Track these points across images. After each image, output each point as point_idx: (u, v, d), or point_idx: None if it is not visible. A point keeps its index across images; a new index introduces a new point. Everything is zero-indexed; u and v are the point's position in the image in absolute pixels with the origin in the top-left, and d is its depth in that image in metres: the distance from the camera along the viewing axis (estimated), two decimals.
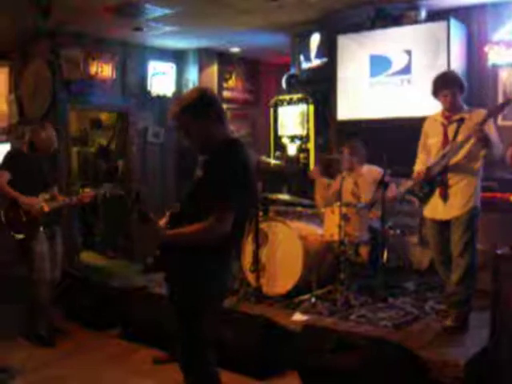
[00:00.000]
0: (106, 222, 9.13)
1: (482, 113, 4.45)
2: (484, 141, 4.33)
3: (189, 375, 3.17)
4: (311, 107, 7.67)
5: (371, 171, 6.08)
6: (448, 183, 4.53)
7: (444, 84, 4.58)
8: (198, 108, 3.09)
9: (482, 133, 4.28)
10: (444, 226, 4.60)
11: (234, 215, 2.93)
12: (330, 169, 6.79)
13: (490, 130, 4.42)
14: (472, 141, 4.38)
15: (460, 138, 4.45)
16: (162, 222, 3.19)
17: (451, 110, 4.59)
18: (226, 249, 3.11)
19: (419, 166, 4.79)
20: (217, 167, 2.98)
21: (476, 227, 4.56)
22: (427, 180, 4.63)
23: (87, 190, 5.65)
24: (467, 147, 4.44)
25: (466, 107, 4.62)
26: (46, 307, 5.40)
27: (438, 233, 4.68)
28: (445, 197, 4.55)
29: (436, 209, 4.62)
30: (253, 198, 3.08)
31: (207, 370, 3.16)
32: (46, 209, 5.28)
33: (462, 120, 4.49)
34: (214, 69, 9.31)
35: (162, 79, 8.83)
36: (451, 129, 4.54)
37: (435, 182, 4.59)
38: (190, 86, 8.94)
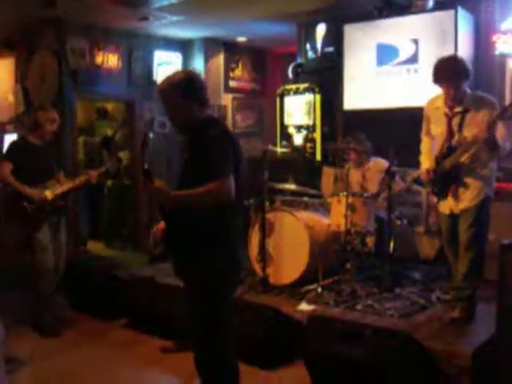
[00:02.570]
0: (112, 211, 9.15)
1: (488, 109, 4.36)
2: (492, 145, 4.27)
3: (204, 370, 3.17)
4: (318, 97, 7.65)
5: (378, 164, 6.07)
6: (462, 182, 4.47)
7: (445, 77, 4.39)
8: (186, 88, 3.15)
9: (489, 140, 4.21)
10: (456, 218, 4.57)
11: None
12: (336, 158, 6.77)
13: (498, 127, 4.34)
14: (478, 128, 4.32)
15: (466, 131, 4.37)
16: None
17: (454, 101, 4.48)
18: (228, 220, 3.13)
19: (425, 154, 4.74)
20: (204, 143, 3.02)
21: (486, 220, 4.52)
22: (437, 175, 4.57)
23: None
24: (477, 145, 4.37)
25: (469, 92, 4.50)
26: (49, 297, 5.42)
27: (450, 225, 4.64)
28: (456, 195, 4.50)
29: (448, 201, 4.58)
30: (241, 172, 3.12)
31: (223, 362, 3.15)
32: (50, 196, 5.29)
33: (466, 111, 4.41)
34: (220, 58, 9.29)
35: (167, 69, 8.80)
36: (455, 120, 4.46)
37: (448, 178, 4.53)
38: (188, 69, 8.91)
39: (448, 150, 4.48)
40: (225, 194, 2.95)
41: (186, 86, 3.15)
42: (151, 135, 3.30)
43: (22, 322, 5.50)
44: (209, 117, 3.24)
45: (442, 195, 4.60)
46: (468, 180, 4.44)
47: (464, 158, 4.41)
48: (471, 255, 4.45)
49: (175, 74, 3.26)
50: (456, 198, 4.50)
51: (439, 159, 4.54)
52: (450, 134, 4.49)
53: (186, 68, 8.91)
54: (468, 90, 4.48)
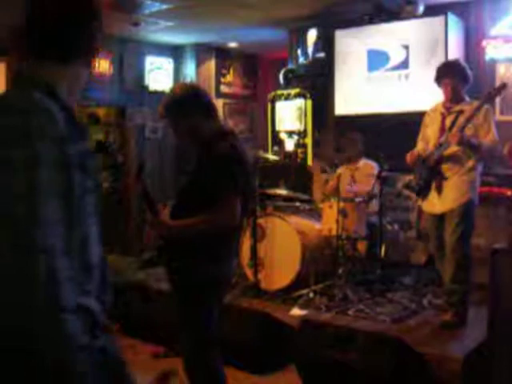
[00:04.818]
0: (104, 214, 9.11)
1: (481, 111, 4.42)
2: (465, 145, 4.34)
3: (192, 373, 3.17)
4: (309, 102, 7.67)
5: (367, 165, 6.09)
6: (444, 175, 4.51)
7: (447, 72, 4.54)
8: (185, 104, 3.11)
9: (460, 138, 4.27)
10: (441, 219, 4.59)
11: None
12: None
13: (490, 129, 4.39)
14: (469, 133, 4.36)
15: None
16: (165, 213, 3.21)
17: (452, 100, 4.55)
18: (231, 235, 3.13)
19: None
20: (213, 159, 3.00)
21: (471, 222, 4.55)
22: (422, 171, 4.61)
23: None
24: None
25: (467, 99, 4.58)
26: None
27: (436, 227, 4.66)
28: (439, 189, 4.53)
29: (433, 202, 4.61)
30: (250, 188, 3.12)
31: (211, 367, 3.16)
32: None
33: (461, 112, 4.47)
34: (212, 64, 9.30)
35: (159, 74, 8.82)
36: (449, 119, 4.52)
37: (431, 174, 4.57)
38: (188, 81, 8.92)
39: (437, 147, 4.53)
40: (228, 221, 2.94)
41: (182, 103, 3.10)
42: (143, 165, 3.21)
43: None
44: (218, 129, 3.17)
45: (425, 191, 4.63)
46: (451, 175, 4.47)
47: (448, 152, 4.46)
48: (458, 256, 4.47)
49: (170, 95, 3.22)
50: (440, 192, 4.52)
51: (428, 155, 4.58)
52: (442, 131, 4.53)
53: (178, 78, 8.94)
54: (467, 98, 4.57)
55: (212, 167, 2.98)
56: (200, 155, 3.11)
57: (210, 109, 3.20)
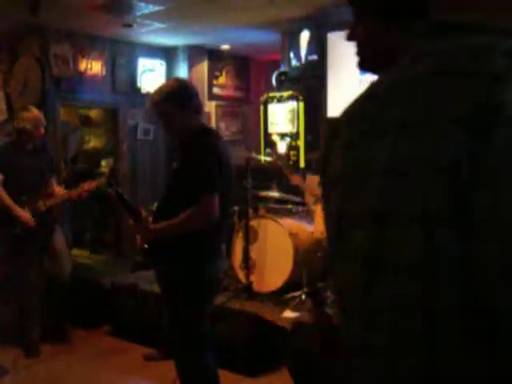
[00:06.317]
0: (97, 218, 9.10)
1: None
2: None
3: (185, 375, 3.17)
4: (301, 104, 7.68)
5: None
6: None
7: None
8: (179, 98, 3.13)
9: None
10: None
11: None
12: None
13: None
14: None
15: None
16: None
17: None
18: (215, 235, 3.13)
19: None
20: (193, 156, 3.01)
21: None
22: None
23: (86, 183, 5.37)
24: None
25: None
26: (34, 310, 5.19)
27: None
28: None
29: None
30: (228, 185, 3.13)
31: (204, 370, 3.16)
32: (43, 208, 5.06)
33: None
34: (204, 66, 9.29)
35: (151, 76, 8.80)
36: None
37: None
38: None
39: None
40: (204, 218, 2.96)
41: (180, 95, 3.14)
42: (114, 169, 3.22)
43: (5, 331, 5.44)
44: (201, 127, 3.23)
45: None
46: None
47: None
48: None
49: (166, 85, 3.24)
50: None
51: None
52: None
53: (172, 76, 8.92)
54: None
55: (191, 164, 3.00)
56: (183, 152, 3.14)
57: (198, 105, 3.24)
